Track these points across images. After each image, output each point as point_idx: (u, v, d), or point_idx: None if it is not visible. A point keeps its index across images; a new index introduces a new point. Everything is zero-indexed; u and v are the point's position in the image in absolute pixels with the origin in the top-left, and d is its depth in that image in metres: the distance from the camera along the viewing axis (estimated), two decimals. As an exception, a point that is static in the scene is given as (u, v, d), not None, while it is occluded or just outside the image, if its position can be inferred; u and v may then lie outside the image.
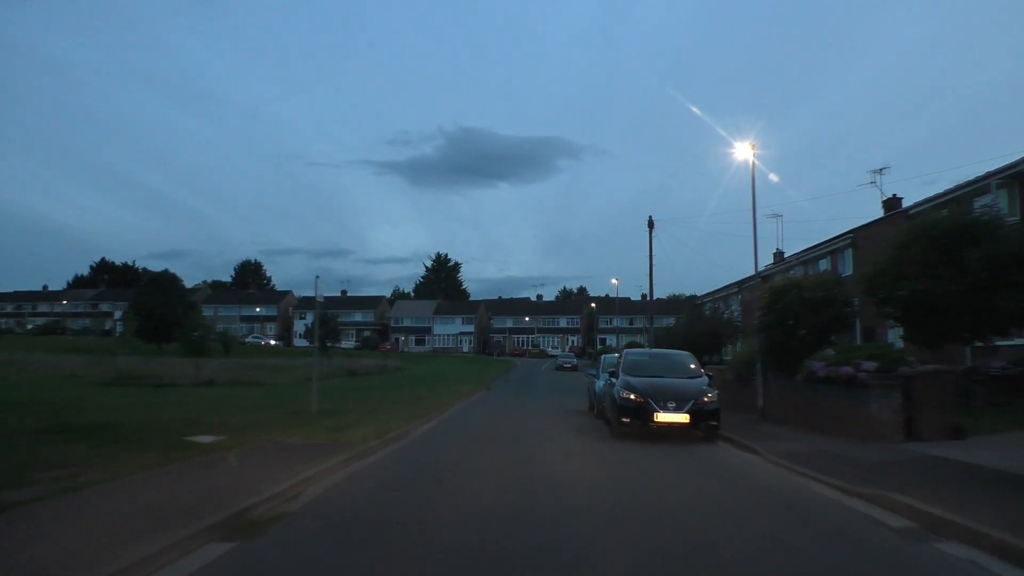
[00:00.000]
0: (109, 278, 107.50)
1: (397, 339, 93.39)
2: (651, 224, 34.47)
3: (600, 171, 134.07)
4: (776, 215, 40.72)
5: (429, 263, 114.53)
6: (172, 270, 67.57)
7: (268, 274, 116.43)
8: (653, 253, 35.26)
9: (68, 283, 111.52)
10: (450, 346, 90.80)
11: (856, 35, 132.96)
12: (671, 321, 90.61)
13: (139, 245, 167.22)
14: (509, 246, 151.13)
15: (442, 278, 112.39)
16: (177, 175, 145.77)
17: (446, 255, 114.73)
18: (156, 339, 58.27)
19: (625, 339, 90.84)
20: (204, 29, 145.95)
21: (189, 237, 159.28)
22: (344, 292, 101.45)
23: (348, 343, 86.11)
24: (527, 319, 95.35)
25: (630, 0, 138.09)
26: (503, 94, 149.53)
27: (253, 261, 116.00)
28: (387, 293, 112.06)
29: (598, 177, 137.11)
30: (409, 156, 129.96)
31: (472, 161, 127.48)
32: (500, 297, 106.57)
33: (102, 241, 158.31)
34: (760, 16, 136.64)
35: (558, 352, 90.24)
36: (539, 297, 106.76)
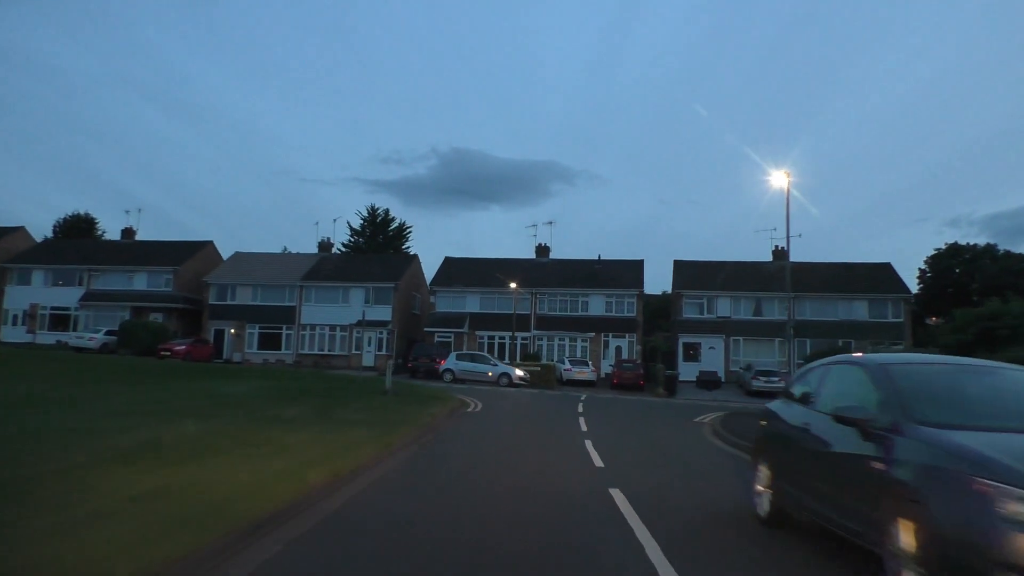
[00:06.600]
0: None
1: (222, 331, 43.10)
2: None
3: (593, 196, 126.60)
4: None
5: (358, 223, 64.74)
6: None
7: (106, 236, 66.74)
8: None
9: None
10: (337, 351, 40.24)
11: (860, 73, 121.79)
12: (843, 307, 38.98)
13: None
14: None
15: (378, 245, 62.52)
16: (165, 184, 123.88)
17: (386, 210, 64.85)
18: None
19: (755, 350, 38.50)
20: (199, 41, 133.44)
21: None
22: (128, 231, 51.16)
23: (95, 334, 36.55)
24: (513, 288, 42.70)
25: (630, 26, 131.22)
26: (498, 116, 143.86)
27: (84, 214, 66.76)
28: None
29: (591, 202, 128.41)
30: (402, 175, 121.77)
31: (465, 182, 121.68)
32: (447, 256, 51.18)
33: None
34: (762, 45, 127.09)
35: (585, 370, 37.89)
36: (542, 250, 50.57)
